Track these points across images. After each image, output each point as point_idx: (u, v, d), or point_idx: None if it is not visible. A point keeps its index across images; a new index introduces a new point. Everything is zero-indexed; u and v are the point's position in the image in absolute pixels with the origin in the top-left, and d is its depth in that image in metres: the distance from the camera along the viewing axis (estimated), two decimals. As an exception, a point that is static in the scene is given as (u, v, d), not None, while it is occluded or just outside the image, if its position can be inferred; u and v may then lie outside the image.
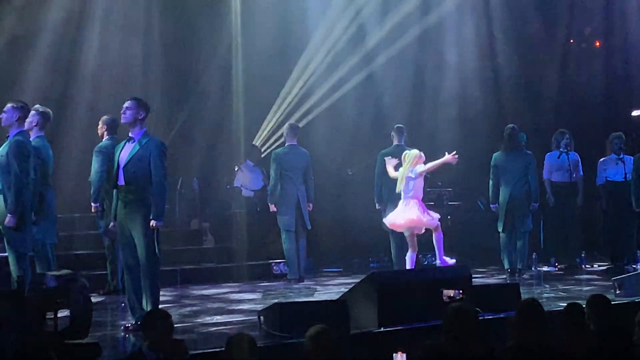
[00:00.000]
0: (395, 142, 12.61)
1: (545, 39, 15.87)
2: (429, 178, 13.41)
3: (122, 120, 8.51)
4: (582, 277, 12.35)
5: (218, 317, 9.28)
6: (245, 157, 14.64)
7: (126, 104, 8.41)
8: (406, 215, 10.88)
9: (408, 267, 10.98)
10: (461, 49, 15.52)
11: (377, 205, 12.63)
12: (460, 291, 8.22)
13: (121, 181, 8.32)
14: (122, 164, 8.31)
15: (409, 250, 11.08)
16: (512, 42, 15.74)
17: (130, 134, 8.40)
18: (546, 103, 15.78)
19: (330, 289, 11.18)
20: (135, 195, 8.26)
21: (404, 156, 11.04)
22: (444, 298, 8.20)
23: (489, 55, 15.61)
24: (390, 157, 11.52)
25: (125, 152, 8.34)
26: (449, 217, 14.66)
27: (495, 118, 14.98)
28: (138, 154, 8.27)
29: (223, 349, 5.74)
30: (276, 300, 9.41)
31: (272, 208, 12.53)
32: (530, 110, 15.49)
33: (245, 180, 14.27)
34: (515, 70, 15.80)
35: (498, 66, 15.57)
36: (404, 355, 6.24)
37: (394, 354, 6.33)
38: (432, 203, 14.09)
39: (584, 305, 6.51)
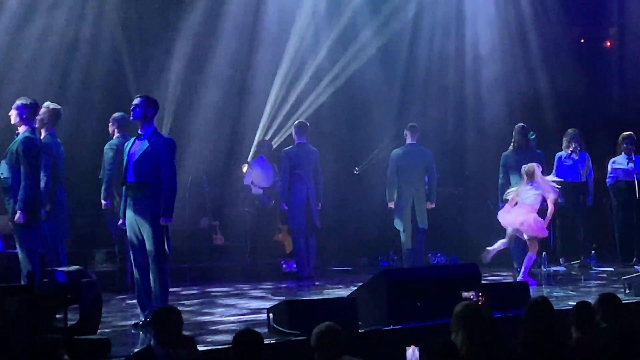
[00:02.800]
0: (408, 141, 12.63)
1: (558, 39, 15.82)
2: (440, 177, 13.42)
3: (131, 118, 8.49)
4: (591, 276, 12.33)
5: (227, 314, 9.30)
6: (256, 153, 14.60)
7: (135, 101, 8.41)
8: (515, 216, 11.28)
9: (523, 266, 11.22)
10: (475, 47, 15.49)
11: (388, 204, 12.65)
12: (480, 293, 8.19)
13: (130, 178, 8.32)
14: (131, 161, 8.31)
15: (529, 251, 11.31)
16: (525, 43, 15.70)
17: (139, 131, 8.40)
18: (557, 102, 15.72)
19: (340, 287, 11.17)
20: (144, 193, 8.25)
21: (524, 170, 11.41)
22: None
23: (503, 55, 15.55)
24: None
25: (134, 150, 8.34)
26: (459, 216, 14.67)
27: (507, 117, 14.93)
28: (147, 151, 8.26)
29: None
30: (285, 298, 9.41)
31: (285, 207, 12.54)
32: (540, 109, 15.44)
33: (255, 177, 14.25)
34: (528, 70, 15.75)
35: (511, 66, 15.51)
36: (417, 349, 6.21)
37: (407, 348, 6.31)
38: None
39: (593, 304, 6.50)
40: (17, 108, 8.75)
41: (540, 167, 11.51)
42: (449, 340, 5.59)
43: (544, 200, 11.36)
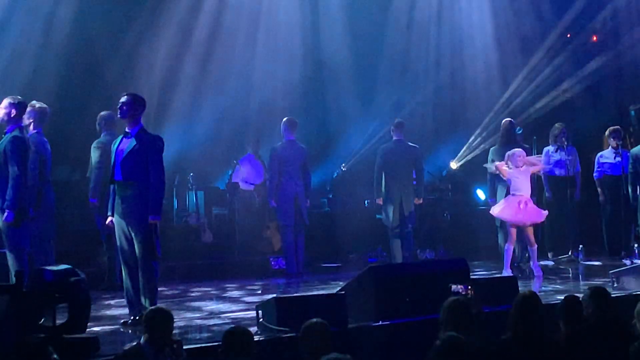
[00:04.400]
0: (394, 137, 12.63)
1: (542, 34, 15.86)
2: (429, 173, 13.44)
3: (119, 116, 8.48)
4: (579, 270, 12.37)
5: (216, 311, 9.30)
6: (247, 150, 14.57)
7: (122, 99, 8.39)
8: (507, 209, 11.36)
9: (505, 258, 11.32)
10: (463, 41, 15.53)
11: (376, 200, 12.66)
12: (469, 287, 8.20)
13: (118, 176, 8.31)
14: (119, 159, 8.29)
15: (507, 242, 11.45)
16: (511, 37, 15.73)
17: (127, 129, 8.38)
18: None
19: (329, 284, 11.18)
20: (132, 191, 8.24)
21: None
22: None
23: (491, 49, 15.58)
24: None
25: (122, 148, 8.32)
26: (446, 212, 14.69)
27: (495, 113, 14.96)
28: (135, 149, 8.25)
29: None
30: (274, 295, 9.41)
31: (273, 204, 12.52)
32: (531, 104, 15.48)
33: (244, 174, 14.22)
34: (514, 63, 15.78)
35: (499, 60, 15.54)
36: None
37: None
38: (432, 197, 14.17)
39: (581, 298, 6.53)
40: (5, 107, 8.74)
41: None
42: (457, 335, 5.54)
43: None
